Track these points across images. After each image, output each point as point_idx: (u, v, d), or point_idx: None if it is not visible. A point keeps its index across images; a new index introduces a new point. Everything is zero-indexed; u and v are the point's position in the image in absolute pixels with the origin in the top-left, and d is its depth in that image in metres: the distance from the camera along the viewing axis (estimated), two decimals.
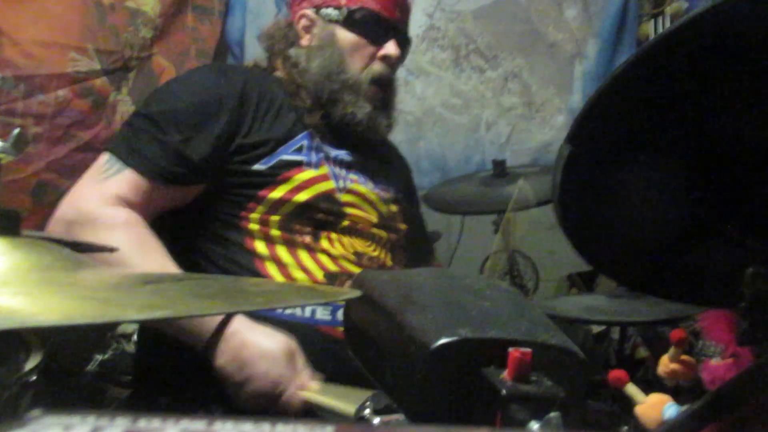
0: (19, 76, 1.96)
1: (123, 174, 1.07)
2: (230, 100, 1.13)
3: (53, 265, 0.52)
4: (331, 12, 1.25)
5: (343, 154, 1.21)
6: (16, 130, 0.62)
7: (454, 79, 2.50)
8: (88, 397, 1.53)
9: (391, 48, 1.25)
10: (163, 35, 2.30)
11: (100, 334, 1.64)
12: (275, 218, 1.11)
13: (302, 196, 1.12)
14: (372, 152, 1.29)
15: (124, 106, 2.20)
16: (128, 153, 1.09)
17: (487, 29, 2.51)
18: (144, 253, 1.01)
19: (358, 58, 1.24)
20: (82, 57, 2.08)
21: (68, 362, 1.50)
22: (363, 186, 1.22)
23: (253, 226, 1.11)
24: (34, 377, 0.60)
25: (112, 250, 0.85)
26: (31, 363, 0.62)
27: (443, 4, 2.51)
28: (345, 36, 1.24)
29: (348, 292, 0.59)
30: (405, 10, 1.31)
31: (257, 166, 1.12)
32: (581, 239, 0.57)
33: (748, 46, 0.47)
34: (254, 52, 2.62)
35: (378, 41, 1.25)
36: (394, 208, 1.28)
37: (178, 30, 2.36)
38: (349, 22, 1.24)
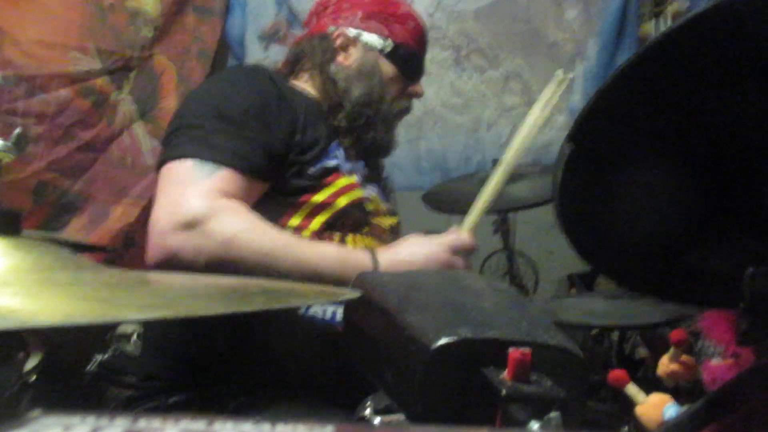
0: (20, 76, 1.96)
1: (218, 173, 1.02)
2: (281, 101, 1.13)
3: (53, 265, 0.52)
4: (375, 40, 1.27)
5: (361, 165, 1.24)
6: (17, 130, 0.62)
7: (455, 78, 2.50)
8: (88, 397, 1.53)
9: (420, 87, 1.34)
10: (163, 35, 2.30)
11: (100, 334, 1.64)
12: (315, 222, 1.11)
13: (342, 201, 1.14)
14: (376, 166, 1.33)
15: (125, 105, 2.20)
16: (216, 153, 1.03)
17: (487, 29, 2.51)
18: (264, 233, 1.00)
19: (393, 91, 1.29)
20: (83, 57, 2.08)
21: (68, 362, 1.50)
22: (377, 197, 1.25)
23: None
24: (34, 377, 0.60)
25: (108, 250, 0.85)
26: (31, 363, 0.62)
27: (444, 4, 2.51)
28: (387, 68, 1.27)
29: (348, 292, 0.59)
30: (426, 51, 1.38)
31: (309, 168, 1.13)
32: (581, 239, 0.57)
33: (749, 45, 0.47)
34: (254, 52, 2.64)
35: (410, 78, 1.31)
36: (394, 221, 1.30)
37: (179, 30, 2.36)
38: (392, 55, 1.28)
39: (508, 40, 2.49)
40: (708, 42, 0.46)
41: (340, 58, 1.27)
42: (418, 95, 1.34)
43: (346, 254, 1.05)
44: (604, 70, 2.37)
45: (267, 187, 1.10)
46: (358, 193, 1.17)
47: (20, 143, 0.61)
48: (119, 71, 2.18)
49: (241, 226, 0.99)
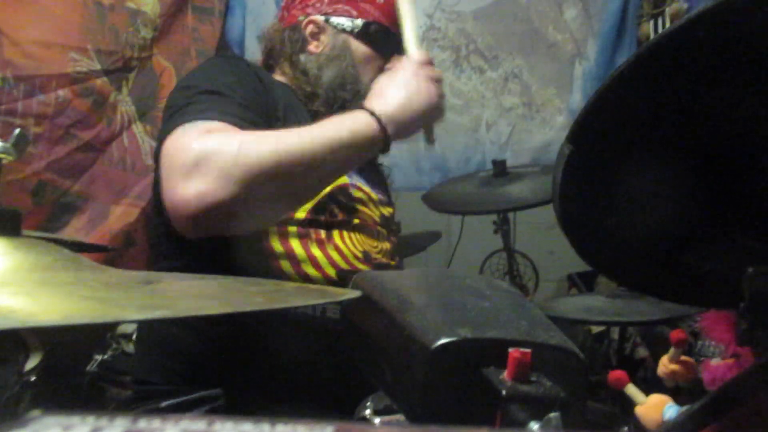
0: (19, 77, 1.96)
1: (205, 124, 0.98)
2: (261, 86, 1.13)
3: (53, 265, 0.52)
4: (343, 22, 1.26)
5: None
6: (17, 131, 0.62)
7: (455, 79, 2.50)
8: (88, 397, 1.53)
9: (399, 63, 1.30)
10: (163, 35, 2.30)
11: (100, 334, 1.64)
12: (300, 211, 1.10)
13: (326, 187, 1.12)
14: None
15: (125, 106, 2.20)
16: (202, 113, 1.00)
17: (487, 29, 2.51)
18: (260, 135, 0.98)
19: (369, 70, 1.26)
20: (83, 57, 2.08)
21: (68, 362, 1.50)
22: (365, 186, 1.23)
23: (272, 227, 1.11)
24: (34, 377, 0.60)
25: (108, 250, 0.85)
26: (31, 363, 0.62)
27: (443, 4, 2.51)
28: (358, 47, 1.26)
29: (348, 292, 0.59)
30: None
31: None
32: (581, 239, 0.57)
33: (749, 45, 0.47)
34: (254, 52, 2.63)
35: (385, 55, 1.28)
36: (387, 211, 1.29)
37: (178, 30, 2.36)
38: (363, 34, 1.26)
39: (507, 40, 2.49)
40: (708, 42, 0.46)
41: (311, 47, 1.26)
42: None
43: (337, 116, 1.04)
44: (604, 71, 2.37)
45: None
46: (342, 179, 1.15)
47: (20, 144, 0.61)
48: (119, 72, 2.18)
49: (239, 137, 0.95)
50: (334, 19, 1.26)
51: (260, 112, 1.08)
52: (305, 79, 1.24)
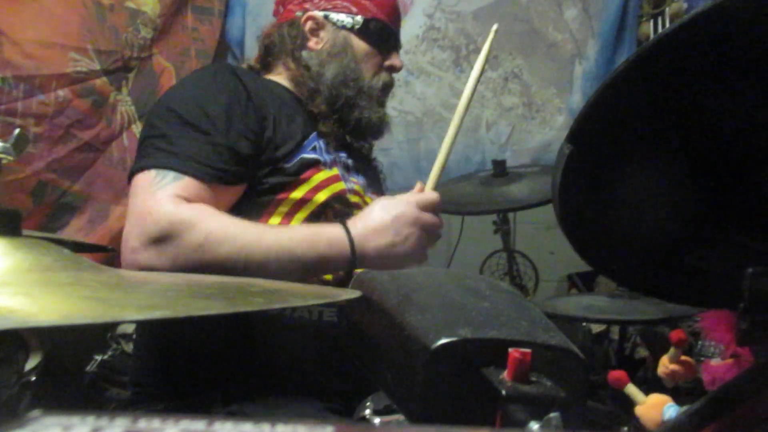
0: (19, 76, 1.96)
1: (180, 181, 1.01)
2: (249, 100, 1.11)
3: (53, 265, 0.52)
4: (344, 18, 1.25)
5: (344, 156, 1.22)
6: (17, 131, 0.62)
7: (455, 79, 2.50)
8: (88, 397, 1.53)
9: (397, 60, 1.31)
10: (163, 35, 2.30)
11: (100, 334, 1.64)
12: (296, 219, 1.10)
13: (321, 196, 1.12)
14: (360, 155, 1.31)
15: (124, 106, 2.20)
16: (177, 162, 1.02)
17: (487, 30, 2.50)
18: (233, 229, 0.99)
19: (370, 67, 1.26)
20: (82, 57, 2.08)
21: (68, 362, 1.50)
22: (361, 188, 1.23)
23: None
24: (34, 377, 0.60)
25: (108, 250, 0.85)
26: (31, 363, 0.62)
27: (443, 4, 2.51)
28: (359, 44, 1.26)
29: (348, 292, 0.59)
30: (400, 23, 1.36)
31: (284, 165, 1.11)
32: (581, 239, 0.57)
33: (749, 45, 0.47)
34: (254, 52, 2.63)
35: (385, 51, 1.29)
36: None
37: (178, 30, 2.36)
38: (363, 31, 1.26)
39: (507, 40, 2.49)
40: (708, 42, 0.46)
41: (311, 43, 1.25)
42: (396, 69, 1.31)
43: (317, 231, 1.03)
44: (604, 70, 2.37)
45: (241, 189, 1.08)
46: (339, 186, 1.15)
47: (20, 144, 0.61)
48: (118, 72, 2.18)
49: (210, 228, 0.97)
50: (334, 16, 1.26)
51: (244, 135, 1.07)
52: (308, 75, 1.23)
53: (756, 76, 0.49)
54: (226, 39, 2.54)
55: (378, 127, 1.28)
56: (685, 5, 2.30)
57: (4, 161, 0.60)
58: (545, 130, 2.47)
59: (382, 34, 1.28)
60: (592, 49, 2.44)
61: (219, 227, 0.98)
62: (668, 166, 0.56)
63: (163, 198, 0.98)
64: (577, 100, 2.44)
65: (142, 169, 1.03)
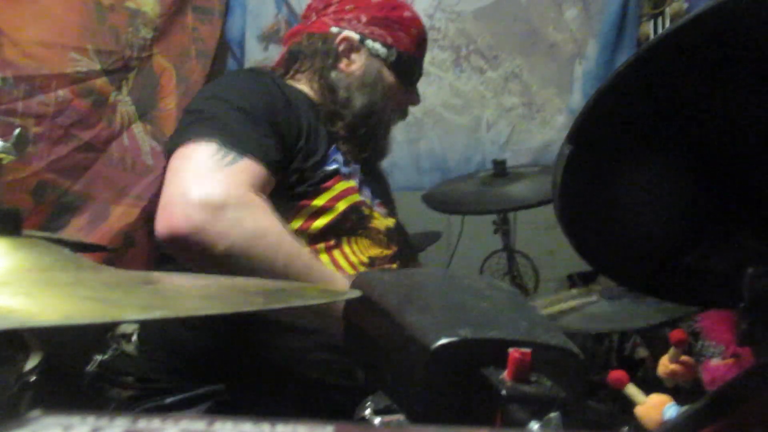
0: (19, 76, 1.96)
1: (242, 161, 0.99)
2: (288, 107, 1.11)
3: (53, 265, 0.52)
4: (379, 48, 1.23)
5: (357, 169, 1.23)
6: (17, 130, 0.62)
7: (455, 79, 2.50)
8: (87, 397, 1.53)
9: (416, 97, 1.31)
10: (163, 35, 2.30)
11: (100, 334, 1.64)
12: (316, 225, 1.10)
13: (341, 205, 1.13)
14: (371, 168, 1.31)
15: (125, 106, 2.20)
16: (239, 141, 1.00)
17: (487, 30, 2.51)
18: (286, 236, 0.99)
19: (393, 102, 1.26)
20: (82, 57, 2.08)
21: (68, 362, 1.50)
22: (369, 200, 1.24)
23: None
24: (34, 377, 0.59)
25: (108, 250, 0.85)
26: (31, 363, 0.62)
27: (443, 4, 2.51)
28: (389, 78, 1.24)
29: (348, 292, 0.59)
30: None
31: (311, 173, 1.11)
32: (581, 239, 0.57)
33: (750, 45, 0.47)
34: (254, 53, 2.64)
35: (409, 85, 1.29)
36: (391, 222, 1.29)
37: (178, 30, 2.36)
38: (395, 64, 1.24)
39: (507, 40, 2.49)
40: (708, 42, 0.46)
41: (342, 64, 1.23)
42: (416, 104, 1.32)
43: (333, 280, 1.01)
44: (604, 71, 2.37)
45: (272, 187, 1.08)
46: (356, 197, 1.16)
47: (20, 144, 0.61)
48: (118, 72, 2.18)
49: (270, 223, 0.96)
50: (370, 43, 1.23)
51: (284, 138, 1.07)
52: (331, 98, 1.21)
53: (756, 77, 0.49)
54: (226, 39, 2.54)
55: (383, 154, 1.31)
56: (685, 5, 2.30)
57: (4, 161, 0.60)
58: (545, 130, 2.47)
59: (411, 68, 1.27)
60: (592, 49, 2.44)
61: (279, 229, 0.97)
62: (668, 167, 0.56)
63: (231, 176, 0.96)
64: (577, 100, 2.44)
65: (202, 139, 0.99)
